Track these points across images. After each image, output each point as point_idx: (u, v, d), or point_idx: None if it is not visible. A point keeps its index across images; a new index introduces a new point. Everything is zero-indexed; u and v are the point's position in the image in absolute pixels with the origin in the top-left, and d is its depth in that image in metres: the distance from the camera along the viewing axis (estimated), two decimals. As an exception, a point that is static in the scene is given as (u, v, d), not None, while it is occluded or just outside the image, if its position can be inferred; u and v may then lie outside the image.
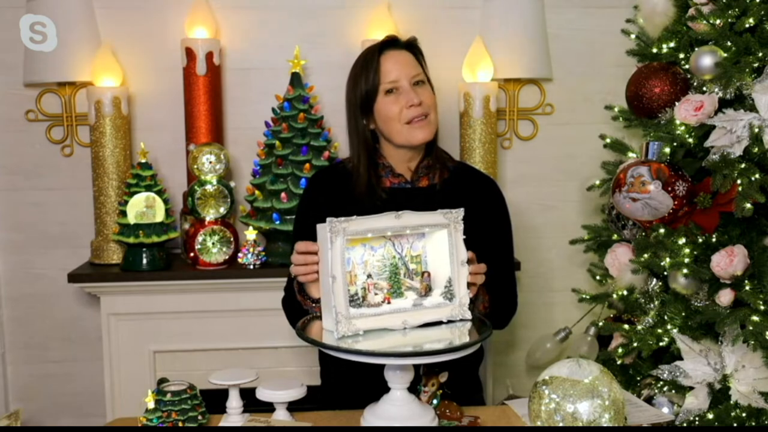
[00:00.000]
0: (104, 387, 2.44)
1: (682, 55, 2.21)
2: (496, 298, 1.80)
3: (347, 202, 1.82)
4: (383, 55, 1.80)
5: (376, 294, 1.53)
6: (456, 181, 1.88)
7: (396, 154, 1.85)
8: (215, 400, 1.66)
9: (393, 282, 1.54)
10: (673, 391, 2.07)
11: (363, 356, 1.40)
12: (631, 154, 2.29)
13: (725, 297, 2.01)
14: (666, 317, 2.14)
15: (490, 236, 1.84)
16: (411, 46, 1.86)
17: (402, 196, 1.84)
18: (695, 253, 2.06)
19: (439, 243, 1.56)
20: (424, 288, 1.55)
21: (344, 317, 1.49)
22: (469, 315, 1.55)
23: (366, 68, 1.81)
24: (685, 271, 2.05)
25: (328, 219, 1.49)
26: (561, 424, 1.33)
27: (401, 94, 1.78)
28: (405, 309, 1.53)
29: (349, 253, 1.51)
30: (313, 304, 1.69)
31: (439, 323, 1.55)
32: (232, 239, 2.42)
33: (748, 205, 1.94)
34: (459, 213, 1.57)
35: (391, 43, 1.84)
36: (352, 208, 1.65)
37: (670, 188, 2.06)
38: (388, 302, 1.53)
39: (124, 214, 2.36)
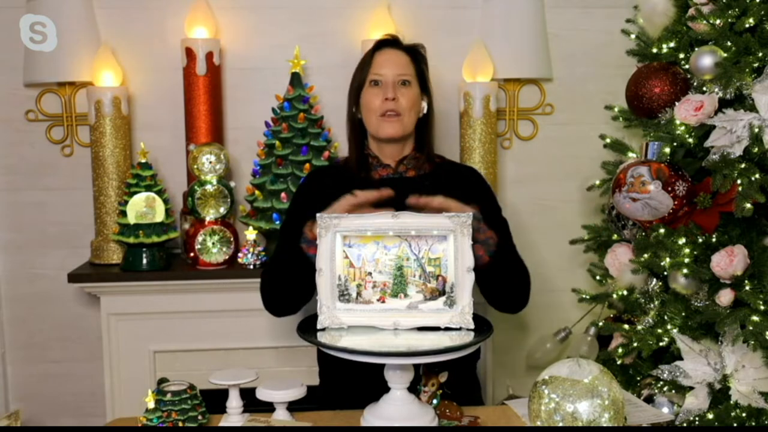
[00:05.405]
0: (104, 387, 2.43)
1: (682, 55, 2.21)
2: (510, 276, 1.82)
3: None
4: (379, 50, 1.94)
5: (373, 291, 1.52)
6: (440, 172, 1.96)
7: (379, 147, 1.95)
8: (215, 400, 1.66)
9: (396, 282, 1.53)
10: (673, 391, 2.07)
11: (362, 356, 1.39)
12: (631, 154, 2.29)
13: (725, 297, 2.01)
14: (666, 317, 2.13)
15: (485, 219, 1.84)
16: (411, 50, 1.95)
17: (392, 186, 1.84)
18: (695, 253, 2.06)
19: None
20: (429, 291, 1.54)
21: (327, 308, 1.49)
22: (471, 324, 1.52)
23: (363, 60, 1.96)
24: (685, 271, 2.05)
25: (317, 215, 1.51)
26: (561, 424, 1.33)
27: (383, 87, 1.88)
28: (398, 310, 1.53)
29: (360, 249, 1.51)
30: None
31: (437, 329, 1.52)
32: (232, 239, 2.42)
33: (748, 205, 1.94)
34: (467, 218, 1.53)
35: (390, 42, 1.96)
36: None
37: (670, 188, 2.06)
38: (383, 301, 1.53)
39: (124, 214, 2.35)
